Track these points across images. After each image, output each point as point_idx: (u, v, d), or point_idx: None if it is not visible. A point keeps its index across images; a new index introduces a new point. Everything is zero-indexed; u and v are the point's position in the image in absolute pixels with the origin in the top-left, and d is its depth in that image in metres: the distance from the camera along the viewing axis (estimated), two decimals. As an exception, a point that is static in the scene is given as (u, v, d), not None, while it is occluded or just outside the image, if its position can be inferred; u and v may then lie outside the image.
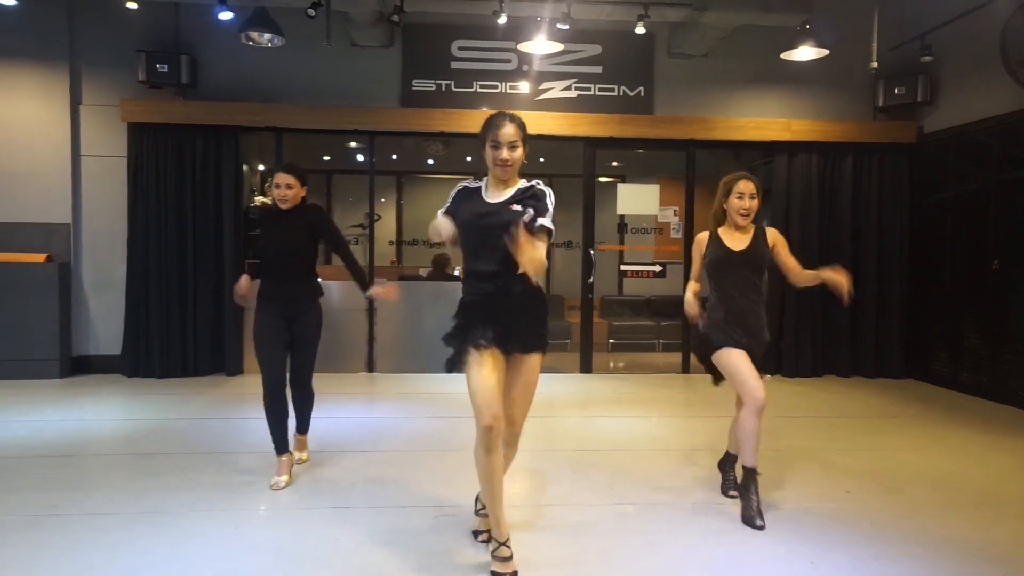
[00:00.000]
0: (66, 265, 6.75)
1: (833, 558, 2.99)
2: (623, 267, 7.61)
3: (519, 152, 2.84)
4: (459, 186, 2.98)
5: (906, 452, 4.63)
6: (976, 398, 6.35)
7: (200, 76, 6.82)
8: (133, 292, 6.74)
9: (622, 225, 10.05)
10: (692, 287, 3.72)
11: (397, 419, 5.40)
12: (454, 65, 7.20)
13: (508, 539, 2.80)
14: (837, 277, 3.47)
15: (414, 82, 7.19)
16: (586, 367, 7.51)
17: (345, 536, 3.15)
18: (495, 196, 2.87)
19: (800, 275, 3.67)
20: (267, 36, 6.19)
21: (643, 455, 4.51)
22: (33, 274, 6.52)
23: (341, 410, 5.49)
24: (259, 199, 9.59)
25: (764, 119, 7.24)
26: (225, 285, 6.88)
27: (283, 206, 3.95)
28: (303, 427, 4.21)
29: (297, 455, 4.16)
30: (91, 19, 6.77)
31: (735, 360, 3.43)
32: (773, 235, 3.61)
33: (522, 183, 2.89)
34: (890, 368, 7.30)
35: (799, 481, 3.98)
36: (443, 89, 7.21)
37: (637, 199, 7.77)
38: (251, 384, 6.59)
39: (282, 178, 3.94)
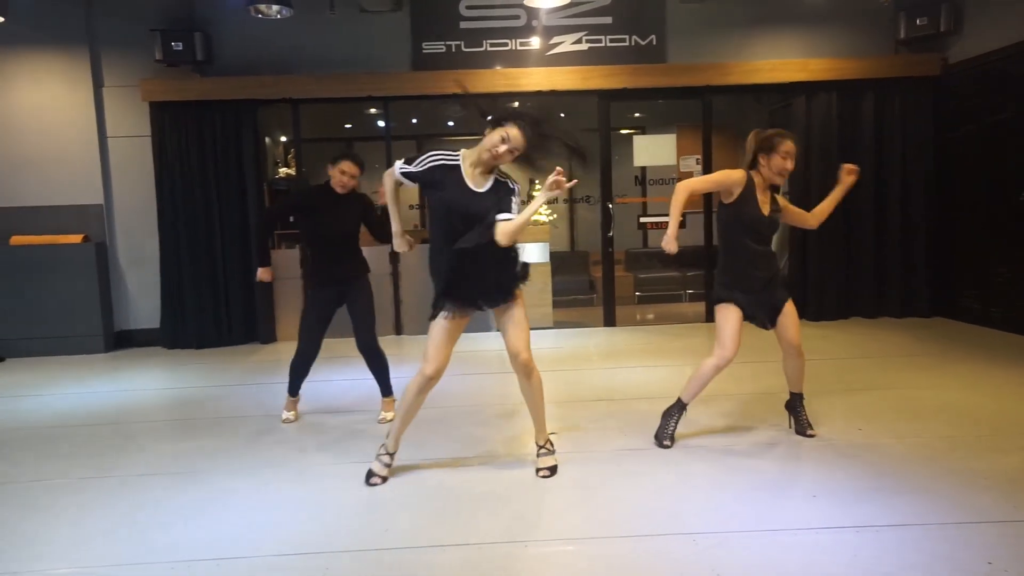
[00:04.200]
0: (102, 244, 7.03)
1: (834, 490, 3.07)
2: (642, 219, 7.61)
3: (510, 158, 3.09)
4: (435, 156, 3.18)
5: (924, 389, 4.64)
6: (1006, 333, 6.28)
7: (215, 52, 6.95)
8: (166, 267, 7.00)
9: (643, 177, 10.01)
10: (681, 196, 3.51)
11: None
12: (463, 25, 7.18)
13: (394, 453, 3.39)
14: (846, 181, 3.68)
15: (424, 44, 7.20)
16: (609, 320, 7.59)
17: (374, 490, 3.33)
18: (476, 183, 3.13)
19: (814, 215, 3.79)
20: (275, 8, 6.28)
21: (659, 403, 4.58)
22: (72, 254, 6.82)
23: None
24: (283, 171, 9.77)
25: (780, 60, 7.10)
26: (253, 256, 7.10)
27: (341, 191, 4.22)
28: (386, 390, 4.48)
29: (383, 415, 4.45)
30: (105, 1, 6.92)
31: (726, 318, 3.65)
32: (780, 201, 3.70)
33: (496, 175, 3.17)
34: (917, 307, 7.24)
35: (812, 420, 4.04)
36: (453, 50, 7.21)
37: (654, 150, 7.73)
38: (284, 351, 6.84)
39: (350, 167, 4.21)
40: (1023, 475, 3.17)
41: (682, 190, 3.53)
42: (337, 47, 7.15)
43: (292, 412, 4.50)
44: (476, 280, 3.20)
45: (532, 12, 7.07)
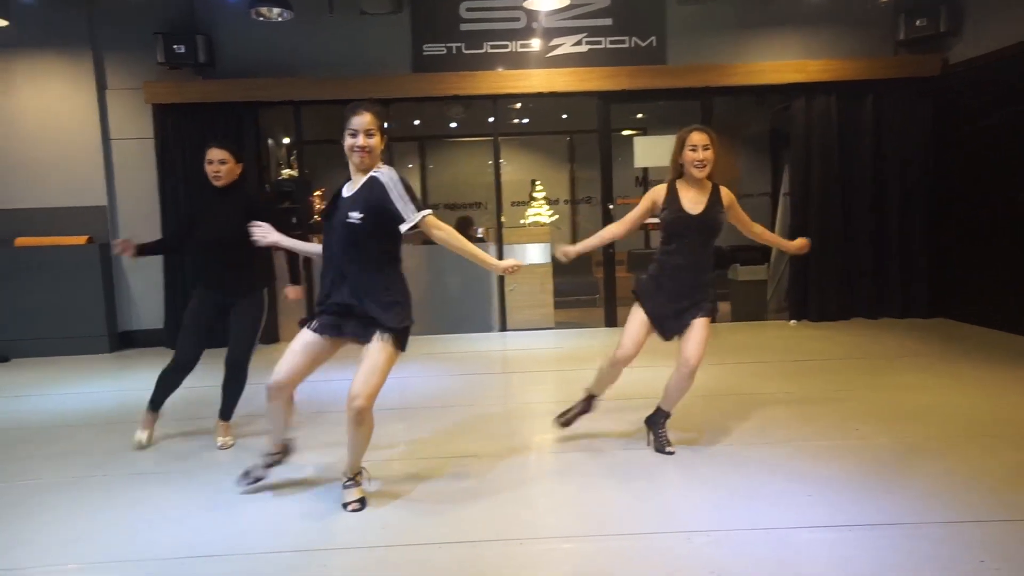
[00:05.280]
0: (106, 245, 7.08)
1: (830, 491, 3.09)
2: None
3: (376, 140, 2.95)
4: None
5: (922, 390, 4.65)
6: (1005, 333, 6.28)
7: (217, 55, 6.99)
8: (170, 268, 7.05)
9: (644, 178, 10.02)
10: (606, 233, 3.72)
11: (425, 378, 5.60)
12: (463, 27, 7.22)
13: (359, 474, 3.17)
14: (797, 246, 3.83)
15: (425, 47, 7.24)
16: (611, 321, 7.61)
17: (373, 488, 3.35)
18: (350, 189, 3.03)
19: (758, 233, 3.79)
20: (276, 10, 6.34)
21: (656, 403, 4.62)
22: (76, 256, 6.87)
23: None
24: (287, 172, 9.82)
25: (779, 62, 7.11)
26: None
27: (217, 183, 3.81)
28: (226, 413, 4.06)
29: (221, 440, 4.02)
30: (109, 5, 6.97)
31: (632, 319, 3.66)
32: (728, 196, 3.58)
33: (372, 173, 2.96)
34: (918, 308, 7.25)
35: (808, 421, 4.06)
36: (454, 52, 7.25)
37: (655, 151, 7.71)
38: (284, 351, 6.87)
39: (214, 153, 3.80)
40: (1016, 475, 3.18)
41: (608, 236, 3.73)
42: (338, 49, 7.18)
43: (147, 432, 4.02)
44: (341, 297, 3.00)
45: (532, 14, 7.10)
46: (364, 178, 2.98)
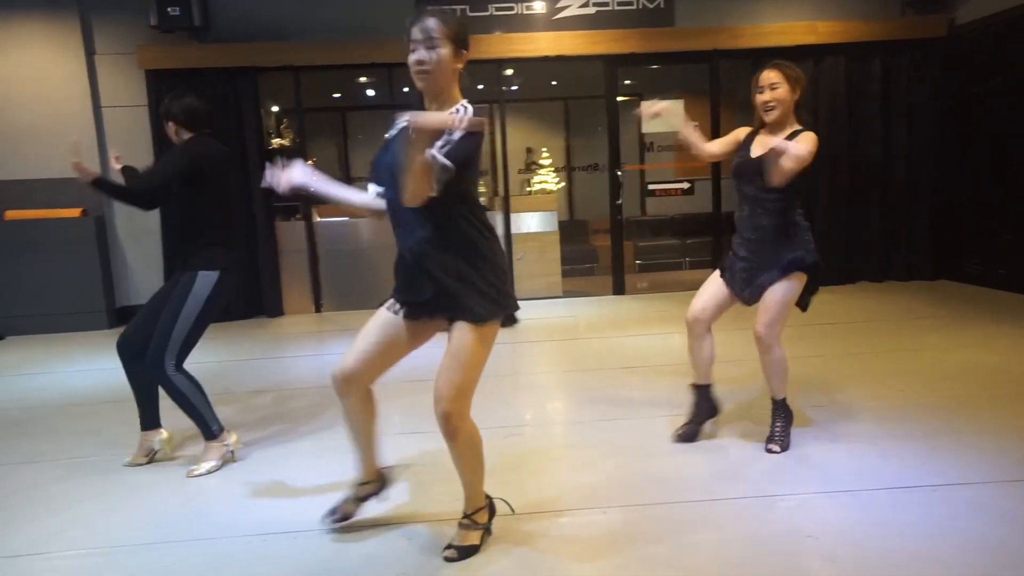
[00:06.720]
0: (101, 218, 6.83)
1: (883, 449, 3.09)
2: (651, 186, 7.56)
3: (443, 53, 2.15)
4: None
5: (948, 351, 4.69)
6: (1010, 293, 6.37)
7: (212, 18, 6.72)
8: (168, 240, 6.82)
9: (643, 145, 9.94)
10: (705, 145, 3.29)
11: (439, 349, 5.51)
12: (468, -12, 7.02)
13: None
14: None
15: (428, 9, 6.98)
16: (619, 288, 7.57)
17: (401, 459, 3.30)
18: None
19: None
20: (277, -30, 6.06)
21: (686, 368, 4.60)
22: (71, 229, 6.62)
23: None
24: (276, 141, 9.53)
25: (789, 23, 7.04)
26: (257, 228, 6.97)
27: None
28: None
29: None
30: (96, -36, 6.65)
31: (707, 281, 3.34)
32: (810, 139, 2.98)
33: (462, 104, 2.22)
34: (922, 271, 7.32)
35: (844, 382, 4.07)
36: (457, 14, 7.00)
37: (663, 116, 7.62)
38: (292, 325, 6.76)
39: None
40: (1067, 430, 3.22)
41: (705, 147, 3.28)
42: (339, 13, 6.94)
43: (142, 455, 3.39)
44: (410, 273, 2.31)
45: (539, -25, 6.92)
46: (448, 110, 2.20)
